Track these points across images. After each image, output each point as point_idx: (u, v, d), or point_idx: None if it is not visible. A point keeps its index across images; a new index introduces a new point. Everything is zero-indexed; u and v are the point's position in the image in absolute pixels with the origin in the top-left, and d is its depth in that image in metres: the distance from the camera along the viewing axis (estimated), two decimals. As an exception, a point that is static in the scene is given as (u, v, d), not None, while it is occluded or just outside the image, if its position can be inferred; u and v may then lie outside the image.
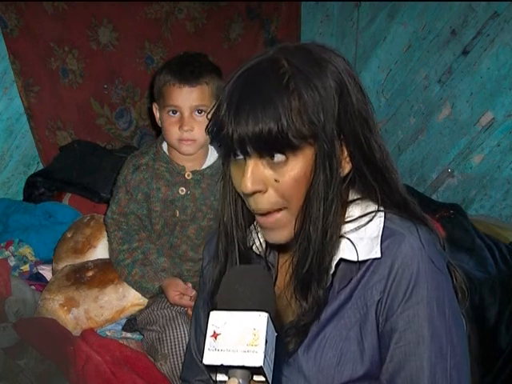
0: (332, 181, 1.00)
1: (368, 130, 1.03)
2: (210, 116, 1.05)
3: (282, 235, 1.02)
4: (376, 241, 1.03)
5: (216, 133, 1.01)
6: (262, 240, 1.12)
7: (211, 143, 1.09)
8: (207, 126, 1.04)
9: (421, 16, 3.14)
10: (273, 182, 0.98)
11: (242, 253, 1.10)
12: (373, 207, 1.06)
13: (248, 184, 0.97)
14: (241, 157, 0.99)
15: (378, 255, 1.02)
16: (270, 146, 0.96)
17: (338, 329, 1.04)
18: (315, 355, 1.04)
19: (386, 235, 1.03)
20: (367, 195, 1.07)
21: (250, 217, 1.09)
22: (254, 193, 0.98)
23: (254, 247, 1.13)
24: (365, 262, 1.04)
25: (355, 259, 1.03)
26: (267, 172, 0.98)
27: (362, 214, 1.06)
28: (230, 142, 0.98)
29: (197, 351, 1.24)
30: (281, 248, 1.12)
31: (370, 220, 1.05)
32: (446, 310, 1.01)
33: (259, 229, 1.11)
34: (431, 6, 3.09)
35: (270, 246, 1.12)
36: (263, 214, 1.01)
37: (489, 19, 2.89)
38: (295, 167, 0.98)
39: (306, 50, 1.01)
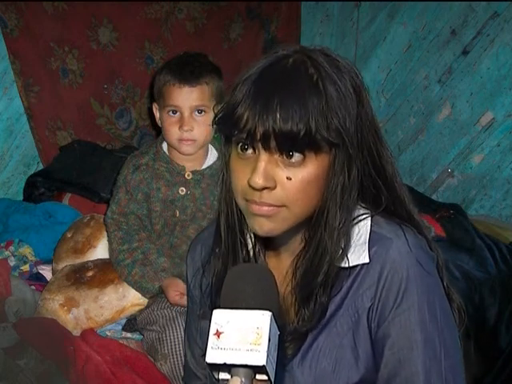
0: (350, 187, 0.99)
1: (379, 141, 1.03)
2: (217, 109, 1.03)
3: (270, 226, 0.99)
4: (364, 246, 1.03)
5: (229, 124, 0.97)
6: (253, 240, 1.11)
7: (217, 133, 1.05)
8: (216, 116, 1.01)
9: (421, 16, 3.14)
10: (283, 180, 0.96)
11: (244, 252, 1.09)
12: (361, 211, 1.06)
13: (259, 179, 0.95)
14: (250, 151, 0.97)
15: (367, 260, 1.02)
16: (295, 144, 0.94)
17: (330, 337, 1.04)
18: (310, 365, 1.04)
19: (373, 240, 1.03)
20: (362, 201, 1.06)
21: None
22: (262, 189, 0.96)
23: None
24: (354, 268, 1.03)
25: (346, 265, 1.03)
26: (279, 169, 0.96)
27: (352, 218, 1.05)
28: (247, 135, 0.95)
29: (191, 357, 1.25)
30: (274, 250, 1.11)
31: (357, 223, 1.04)
32: (438, 313, 1.01)
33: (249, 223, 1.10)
34: (431, 6, 3.09)
35: (257, 252, 1.11)
36: (259, 204, 0.97)
37: (489, 19, 2.89)
38: (310, 169, 0.96)
39: (324, 53, 1.00)
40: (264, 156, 0.96)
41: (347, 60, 1.02)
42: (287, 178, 0.96)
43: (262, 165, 0.95)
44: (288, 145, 0.94)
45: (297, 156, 0.95)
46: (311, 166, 0.96)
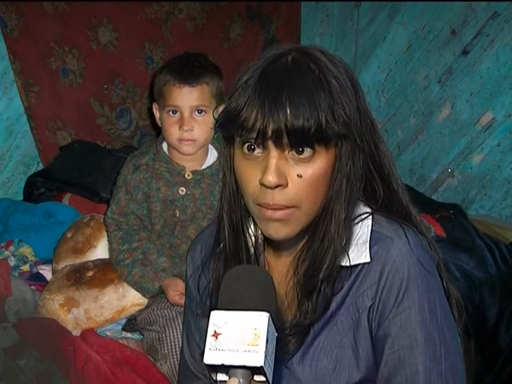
0: (355, 178, 1.00)
1: (376, 135, 1.04)
2: (217, 112, 1.03)
3: (286, 230, 1.00)
4: (365, 245, 1.03)
5: (236, 125, 0.97)
6: (253, 240, 1.11)
7: (224, 134, 1.05)
8: (218, 119, 1.01)
9: (421, 16, 3.14)
10: (294, 177, 0.97)
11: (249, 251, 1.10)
12: (362, 209, 1.06)
13: (272, 177, 0.95)
14: (258, 150, 0.97)
15: (368, 259, 1.02)
16: (307, 139, 0.95)
17: (331, 336, 1.04)
18: (310, 363, 1.04)
19: (374, 239, 1.03)
20: (362, 198, 1.07)
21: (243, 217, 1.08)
22: (275, 187, 0.96)
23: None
24: (355, 267, 1.03)
25: (347, 264, 1.03)
26: (290, 166, 0.97)
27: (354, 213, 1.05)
28: (257, 134, 0.95)
29: (190, 357, 1.24)
30: (274, 249, 1.11)
31: (358, 223, 1.05)
32: (438, 312, 1.01)
33: (253, 228, 1.10)
34: (431, 6, 3.09)
35: (258, 250, 1.11)
36: (272, 208, 0.98)
37: (489, 19, 2.89)
38: (319, 164, 0.97)
39: (318, 50, 1.01)
40: (274, 153, 0.96)
41: (338, 56, 1.03)
42: (298, 176, 0.97)
43: (273, 162, 0.96)
44: (300, 140, 0.95)
45: (307, 151, 0.96)
46: (320, 161, 0.97)
